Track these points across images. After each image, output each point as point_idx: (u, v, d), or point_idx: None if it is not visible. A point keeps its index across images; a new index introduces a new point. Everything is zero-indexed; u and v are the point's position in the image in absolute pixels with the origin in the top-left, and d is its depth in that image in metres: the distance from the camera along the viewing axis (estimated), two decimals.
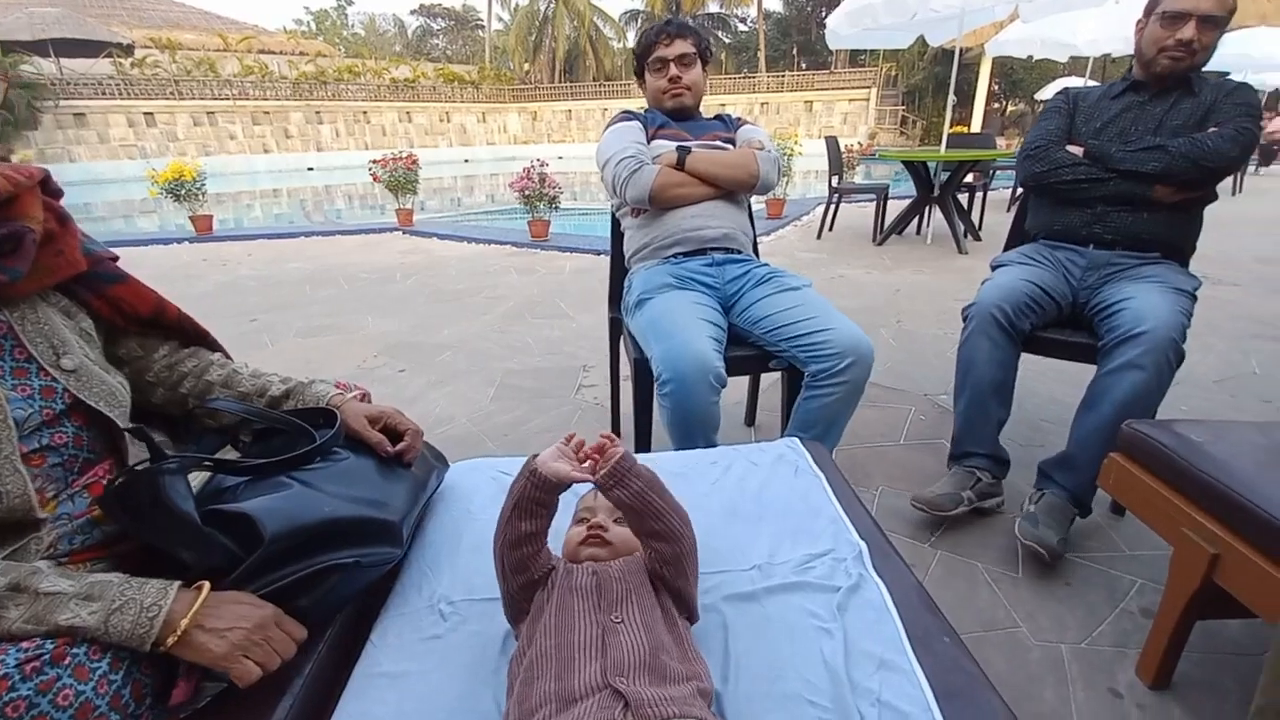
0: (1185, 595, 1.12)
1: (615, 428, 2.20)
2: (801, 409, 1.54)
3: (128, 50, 19.15)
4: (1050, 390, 2.45)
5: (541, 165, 5.63)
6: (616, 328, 2.01)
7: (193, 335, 0.99)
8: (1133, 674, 1.24)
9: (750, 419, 2.28)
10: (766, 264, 1.73)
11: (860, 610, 0.80)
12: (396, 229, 6.86)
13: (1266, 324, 3.26)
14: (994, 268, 1.93)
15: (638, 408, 1.63)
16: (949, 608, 0.81)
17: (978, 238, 5.73)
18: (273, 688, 0.69)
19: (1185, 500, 1.14)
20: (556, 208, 5.82)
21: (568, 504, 0.91)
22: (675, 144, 1.73)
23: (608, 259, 2.02)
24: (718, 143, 1.79)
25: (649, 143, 1.76)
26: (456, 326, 3.51)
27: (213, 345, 1.01)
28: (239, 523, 0.74)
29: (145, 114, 17.87)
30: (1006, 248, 2.06)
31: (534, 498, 0.73)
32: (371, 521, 0.82)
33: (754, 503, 1.03)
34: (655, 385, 1.45)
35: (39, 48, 16.54)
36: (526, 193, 5.59)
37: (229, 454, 0.95)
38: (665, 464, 1.16)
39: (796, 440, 1.21)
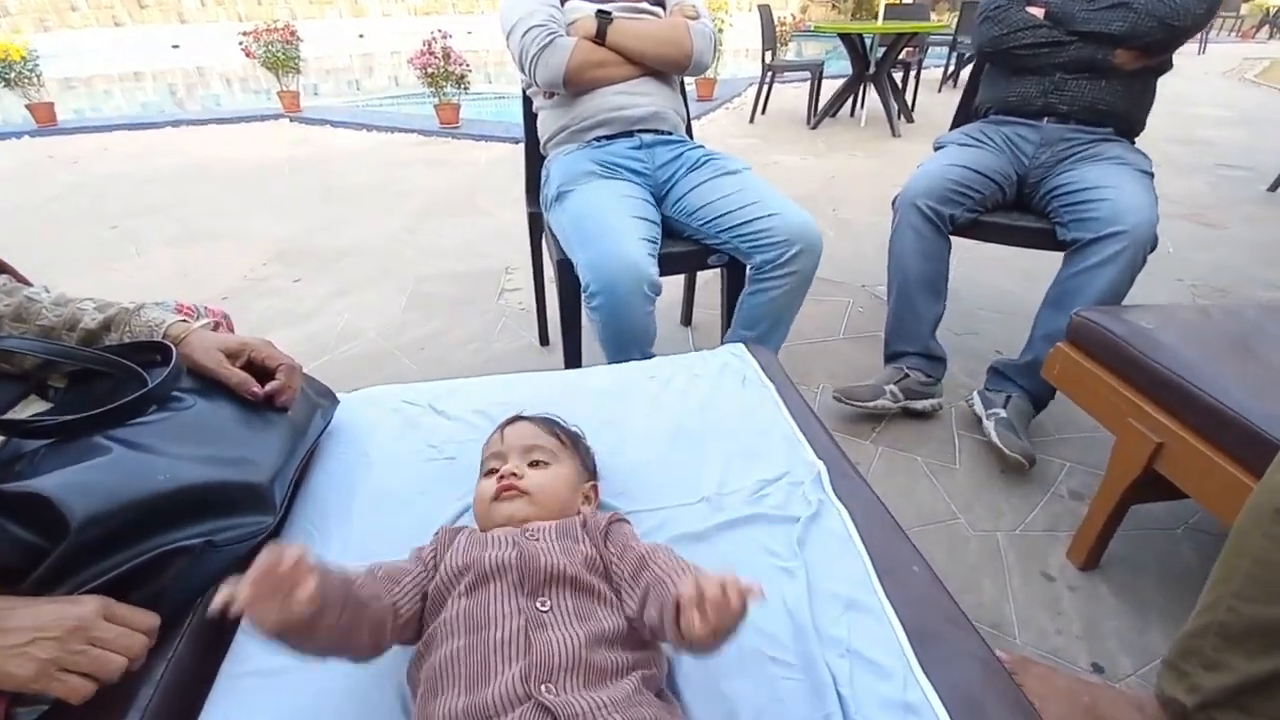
0: (1125, 483, 1.12)
1: (543, 336, 2.04)
2: (746, 305, 1.42)
3: None
4: (990, 278, 2.43)
5: (444, 37, 4.97)
6: (537, 224, 1.79)
7: None
8: (1063, 557, 1.27)
9: (687, 318, 2.16)
10: (701, 145, 1.53)
11: (822, 542, 0.71)
12: (282, 115, 6.05)
13: (1176, 203, 3.35)
14: (936, 148, 1.82)
15: (564, 317, 1.47)
16: (890, 504, 0.73)
17: (910, 119, 5.60)
18: (116, 698, 0.55)
19: (1132, 389, 1.11)
20: (466, 89, 5.23)
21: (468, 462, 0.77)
22: (595, 8, 1.45)
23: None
24: (644, 6, 1.52)
25: (563, 3, 1.47)
26: (359, 228, 3.14)
27: None
28: (34, 506, 0.56)
29: None
30: (953, 126, 1.94)
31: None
32: (230, 487, 0.65)
33: (698, 421, 0.92)
34: (583, 296, 1.28)
35: None
36: (429, 70, 4.96)
37: (32, 407, 0.73)
38: (596, 381, 1.02)
39: (742, 346, 1.10)
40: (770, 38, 5.58)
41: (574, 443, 0.76)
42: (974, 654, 0.60)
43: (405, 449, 0.88)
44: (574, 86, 1.43)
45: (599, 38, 1.41)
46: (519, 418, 0.77)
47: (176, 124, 5.89)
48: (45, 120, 5.65)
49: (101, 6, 16.86)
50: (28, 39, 5.99)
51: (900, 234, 1.62)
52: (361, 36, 18.78)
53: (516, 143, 4.81)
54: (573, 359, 1.51)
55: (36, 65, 5.49)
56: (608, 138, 1.49)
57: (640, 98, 1.48)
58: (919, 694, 0.55)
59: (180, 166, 4.47)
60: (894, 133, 5.04)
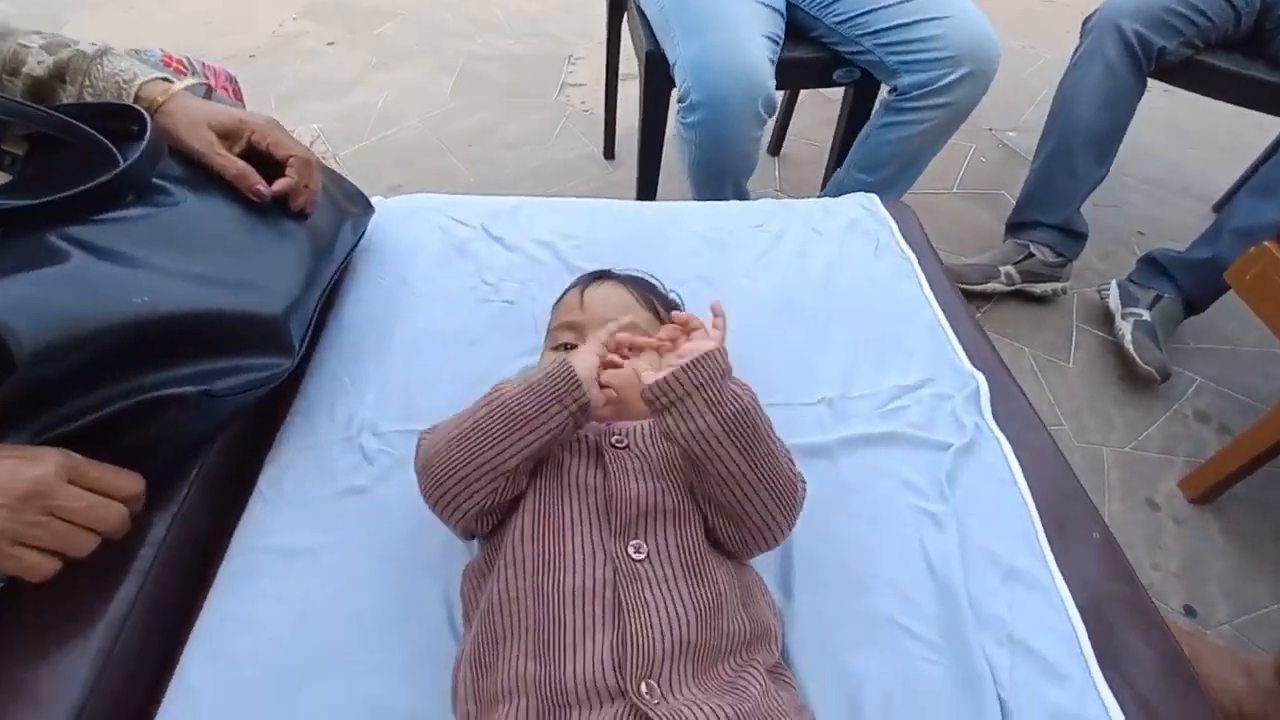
0: None
1: (608, 148, 1.76)
2: (872, 140, 1.14)
3: None
4: (1146, 136, 1.98)
5: None
6: (619, 2, 1.43)
7: None
8: (1174, 485, 1.12)
9: (775, 146, 1.84)
10: None
11: (977, 483, 0.55)
12: None
13: None
14: None
15: (644, 130, 1.20)
16: None
17: None
18: (108, 561, 0.45)
19: None
20: None
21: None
22: None
23: None
24: None
25: None
26: None
27: None
28: None
29: None
30: None
31: (568, 435, 0.44)
32: (233, 318, 0.50)
33: (818, 294, 0.72)
34: (678, 106, 1.01)
35: None
36: None
37: None
38: (691, 222, 0.81)
39: (875, 199, 0.86)
40: None
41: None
42: (1165, 659, 0.47)
43: (454, 282, 0.71)
44: None
45: None
46: (606, 275, 0.59)
47: None
48: None
49: None
50: None
51: (1083, 67, 1.26)
52: None
53: None
54: (647, 185, 1.27)
55: None
56: None
57: None
58: (1099, 708, 0.43)
59: None
60: None
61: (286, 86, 1.98)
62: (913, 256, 0.77)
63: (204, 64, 0.72)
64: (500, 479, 0.41)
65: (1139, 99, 1.27)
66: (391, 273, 0.71)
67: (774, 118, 1.75)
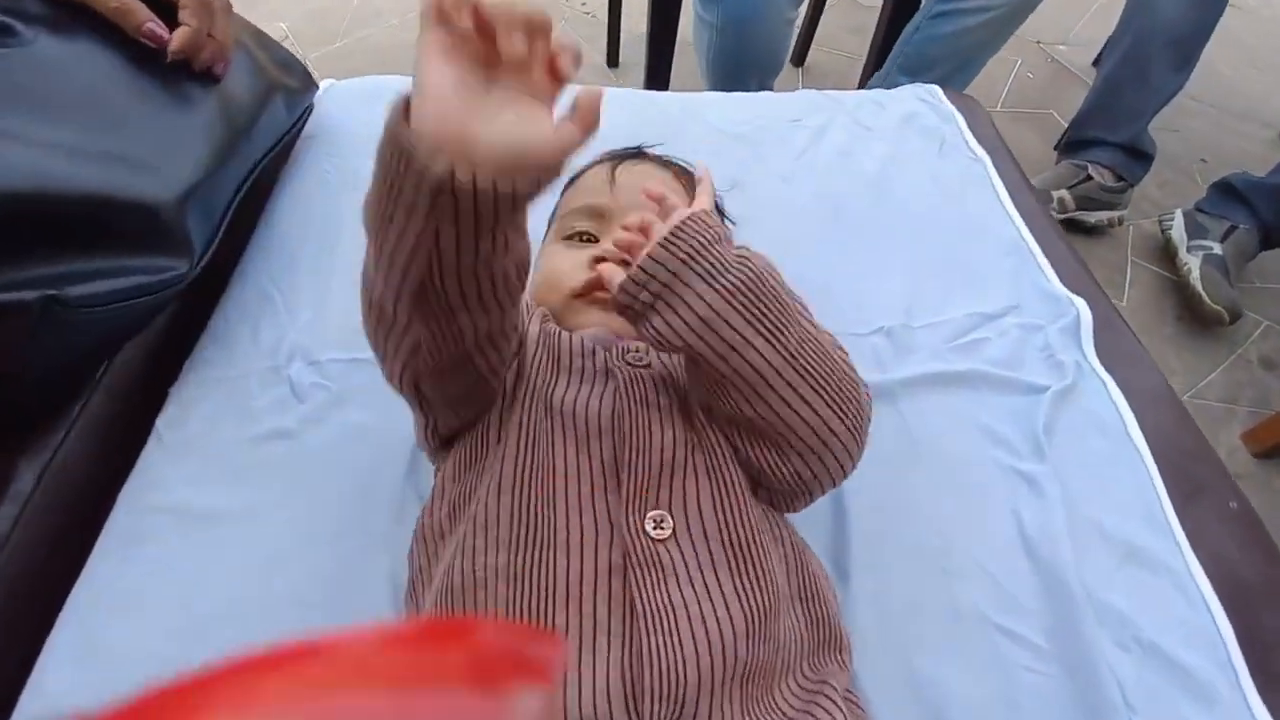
0: None
1: (611, 54, 1.56)
2: (919, 38, 0.98)
3: None
4: (1209, 53, 1.79)
5: None
6: None
7: None
8: (1236, 438, 1.01)
9: (800, 56, 1.64)
10: None
11: (1082, 438, 0.43)
12: None
13: None
14: None
15: (654, 25, 1.02)
16: None
17: None
18: None
19: None
20: None
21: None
22: None
23: None
24: None
25: None
26: None
27: None
28: None
29: None
30: None
31: (472, 253, 0.24)
32: (100, 202, 0.37)
33: (871, 201, 0.59)
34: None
35: None
36: None
37: None
38: (708, 114, 0.66)
39: (938, 90, 0.70)
40: None
41: (719, 212, 0.45)
42: None
43: None
44: None
45: None
46: (644, 154, 0.45)
47: None
48: None
49: None
50: None
51: None
52: None
53: None
54: (658, 81, 1.10)
55: None
56: None
57: None
58: None
59: None
60: None
61: None
62: (986, 158, 0.62)
63: None
64: (411, 331, 0.27)
65: None
66: (341, 165, 0.57)
67: (805, 19, 1.56)
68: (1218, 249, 1.12)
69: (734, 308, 0.28)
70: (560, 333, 0.35)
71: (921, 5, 1.00)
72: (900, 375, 0.45)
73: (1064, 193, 1.24)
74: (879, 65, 1.10)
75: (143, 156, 0.40)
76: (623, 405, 0.31)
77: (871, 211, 0.57)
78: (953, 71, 0.99)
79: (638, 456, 0.29)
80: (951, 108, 0.68)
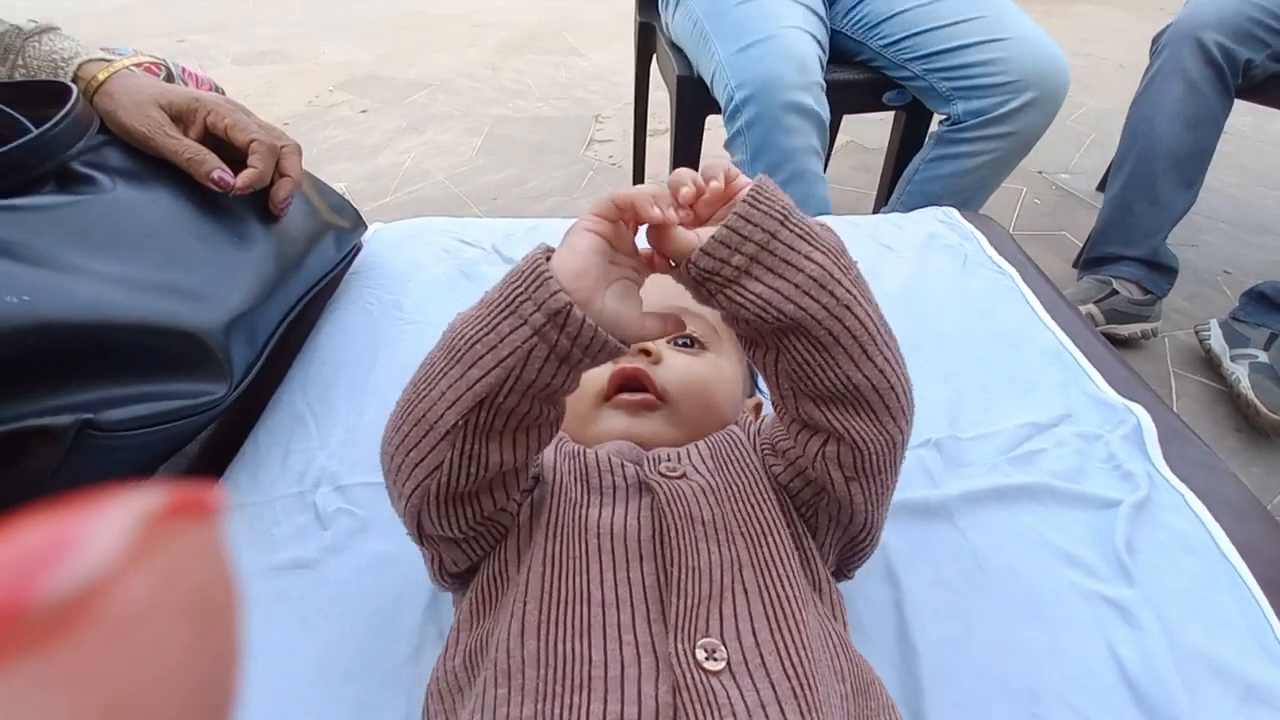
0: None
1: None
2: (921, 176, 1.03)
3: None
4: (1209, 175, 1.85)
5: None
6: (647, 43, 1.39)
7: None
8: None
9: None
10: None
11: (1168, 557, 0.39)
12: None
13: None
14: None
15: (677, 153, 1.11)
16: None
17: None
18: None
19: None
20: None
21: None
22: None
23: None
24: None
25: None
26: (435, 59, 2.77)
27: None
28: None
29: None
30: None
31: (546, 381, 0.27)
32: (150, 330, 0.38)
33: (903, 314, 0.58)
34: (724, 124, 0.91)
35: None
36: None
37: None
38: None
39: (954, 211, 0.73)
40: None
41: None
42: None
43: (455, 307, 0.58)
44: None
45: None
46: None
47: None
48: None
49: None
50: None
51: (1161, 85, 1.14)
52: None
53: None
54: None
55: None
56: None
57: None
58: None
59: None
60: None
61: (315, 151, 1.98)
62: (1012, 271, 0.63)
63: (184, 69, 0.64)
64: (442, 446, 0.26)
65: (1226, 117, 1.15)
66: (383, 298, 0.59)
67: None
68: (1263, 356, 1.09)
69: (839, 266, 0.27)
70: (583, 450, 0.34)
71: (923, 147, 1.07)
72: (956, 490, 0.42)
73: (1092, 307, 1.24)
74: (887, 202, 1.16)
75: (196, 287, 0.42)
76: (665, 522, 0.29)
77: (901, 326, 0.56)
78: (957, 206, 1.04)
79: (686, 577, 0.26)
80: (969, 226, 0.70)
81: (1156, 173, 1.17)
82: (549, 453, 0.34)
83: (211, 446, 0.45)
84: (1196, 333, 1.25)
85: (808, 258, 0.26)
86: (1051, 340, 0.55)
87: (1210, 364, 1.18)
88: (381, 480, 0.41)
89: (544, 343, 0.26)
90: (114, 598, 0.07)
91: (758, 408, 0.44)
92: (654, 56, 1.34)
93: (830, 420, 0.28)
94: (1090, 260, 1.29)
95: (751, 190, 0.27)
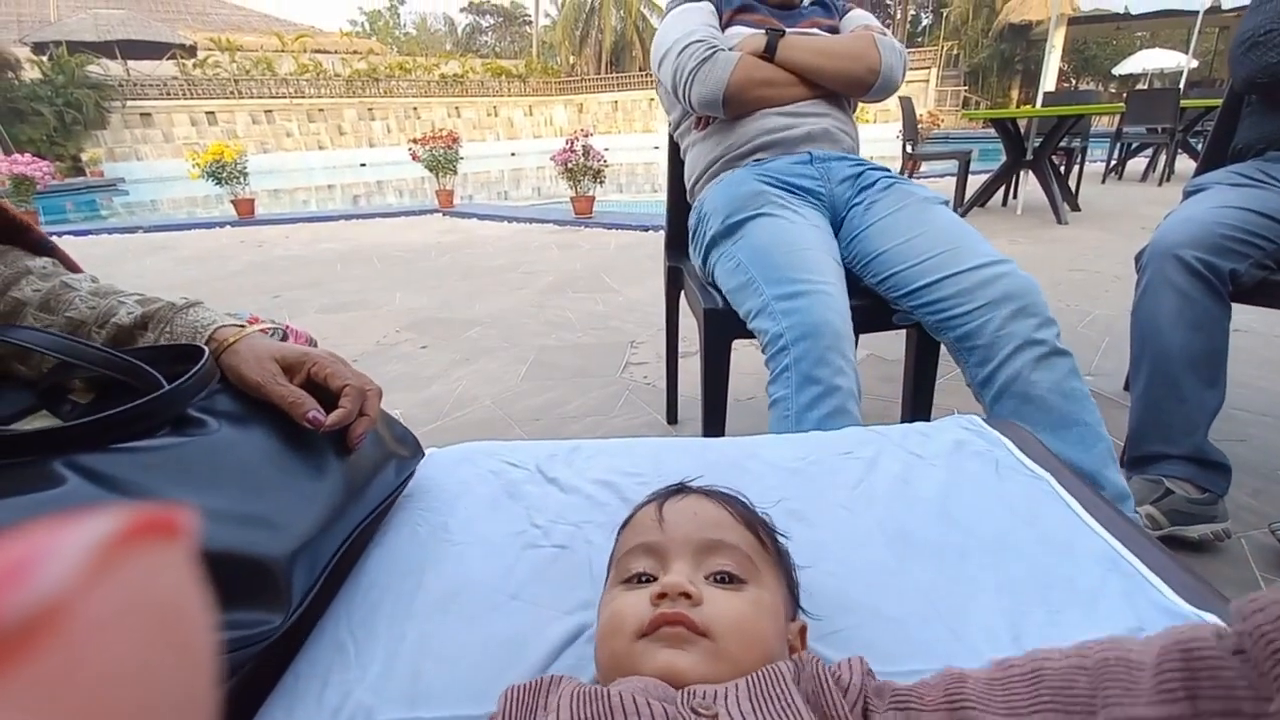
0: None
1: (671, 413, 1.77)
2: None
3: (190, 51, 19.76)
4: (1243, 369, 1.88)
5: (585, 135, 5.23)
6: (675, 284, 1.57)
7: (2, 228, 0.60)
8: None
9: None
10: (887, 169, 1.25)
11: None
12: (436, 211, 6.59)
13: None
14: (1189, 193, 1.42)
15: (707, 386, 1.19)
16: None
17: (1076, 208, 5.05)
18: None
19: None
20: (601, 182, 5.41)
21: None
22: (763, 29, 1.27)
23: (654, 234, 1.61)
24: (817, 31, 1.32)
25: (723, 29, 1.31)
26: (489, 302, 3.14)
27: (39, 245, 0.62)
28: None
29: (207, 113, 18.27)
30: (1200, 172, 1.53)
31: None
32: (224, 560, 0.41)
33: (940, 526, 0.58)
34: (766, 362, 1.00)
35: (105, 49, 17.12)
36: (569, 165, 5.20)
37: (38, 423, 0.55)
38: (763, 453, 0.72)
39: (978, 419, 0.76)
40: (911, 129, 5.38)
41: (775, 545, 0.46)
42: None
43: (499, 527, 0.61)
44: (734, 108, 1.22)
45: (768, 53, 1.21)
46: (687, 489, 0.48)
47: (348, 218, 6.58)
48: (245, 213, 6.53)
49: (310, 133, 20.23)
50: (239, 144, 7.06)
51: (1153, 296, 1.22)
52: (513, 155, 21.13)
53: (645, 230, 4.83)
54: (714, 427, 1.21)
55: (244, 166, 6.43)
56: (769, 160, 1.25)
57: (807, 117, 1.24)
58: None
59: (343, 250, 4.88)
60: (1059, 219, 4.50)
61: (378, 383, 2.18)
62: (1047, 475, 0.63)
63: (288, 326, 0.76)
64: None
65: (1228, 319, 1.20)
66: (430, 519, 0.62)
67: None
68: None
69: None
70: (606, 693, 0.32)
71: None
72: None
73: (1150, 508, 1.18)
74: (914, 409, 1.20)
75: (271, 515, 0.46)
76: None
77: (941, 536, 0.57)
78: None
79: None
80: (996, 433, 0.72)
81: (1176, 373, 1.19)
82: (563, 700, 0.32)
83: (251, 676, 0.45)
84: (1273, 531, 1.17)
85: None
86: (1104, 546, 0.53)
87: None
88: (415, 715, 0.41)
89: None
90: (76, 615, 0.07)
91: (803, 631, 0.43)
92: (681, 291, 1.51)
93: None
94: (1135, 460, 1.27)
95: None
